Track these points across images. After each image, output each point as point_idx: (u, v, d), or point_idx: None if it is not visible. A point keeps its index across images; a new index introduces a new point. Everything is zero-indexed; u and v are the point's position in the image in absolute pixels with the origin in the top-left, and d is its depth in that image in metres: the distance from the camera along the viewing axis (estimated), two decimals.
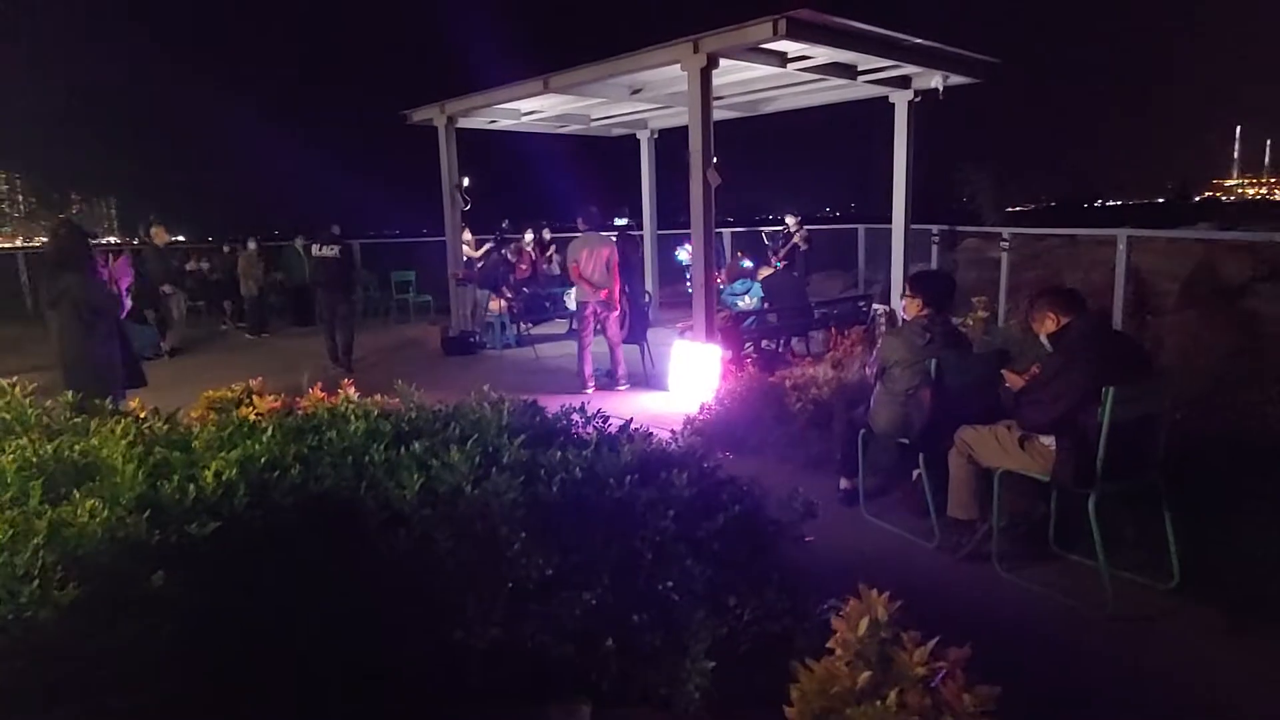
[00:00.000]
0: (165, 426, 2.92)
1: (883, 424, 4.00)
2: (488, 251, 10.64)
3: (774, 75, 8.46)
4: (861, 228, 13.28)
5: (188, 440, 2.63)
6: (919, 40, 7.40)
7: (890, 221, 9.37)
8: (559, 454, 2.38)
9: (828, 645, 1.64)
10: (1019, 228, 10.37)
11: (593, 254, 7.30)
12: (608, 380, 7.64)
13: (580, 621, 2.21)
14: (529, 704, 2.23)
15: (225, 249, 12.84)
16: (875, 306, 9.04)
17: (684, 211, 11.41)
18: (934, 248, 11.09)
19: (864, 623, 1.60)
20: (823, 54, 7.40)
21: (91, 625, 1.72)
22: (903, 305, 4.05)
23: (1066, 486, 3.24)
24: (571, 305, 12.92)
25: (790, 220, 10.33)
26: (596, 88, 8.74)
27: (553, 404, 6.90)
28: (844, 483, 4.40)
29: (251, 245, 11.78)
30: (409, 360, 9.72)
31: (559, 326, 10.95)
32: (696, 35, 6.86)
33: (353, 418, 2.88)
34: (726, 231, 14.52)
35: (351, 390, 3.75)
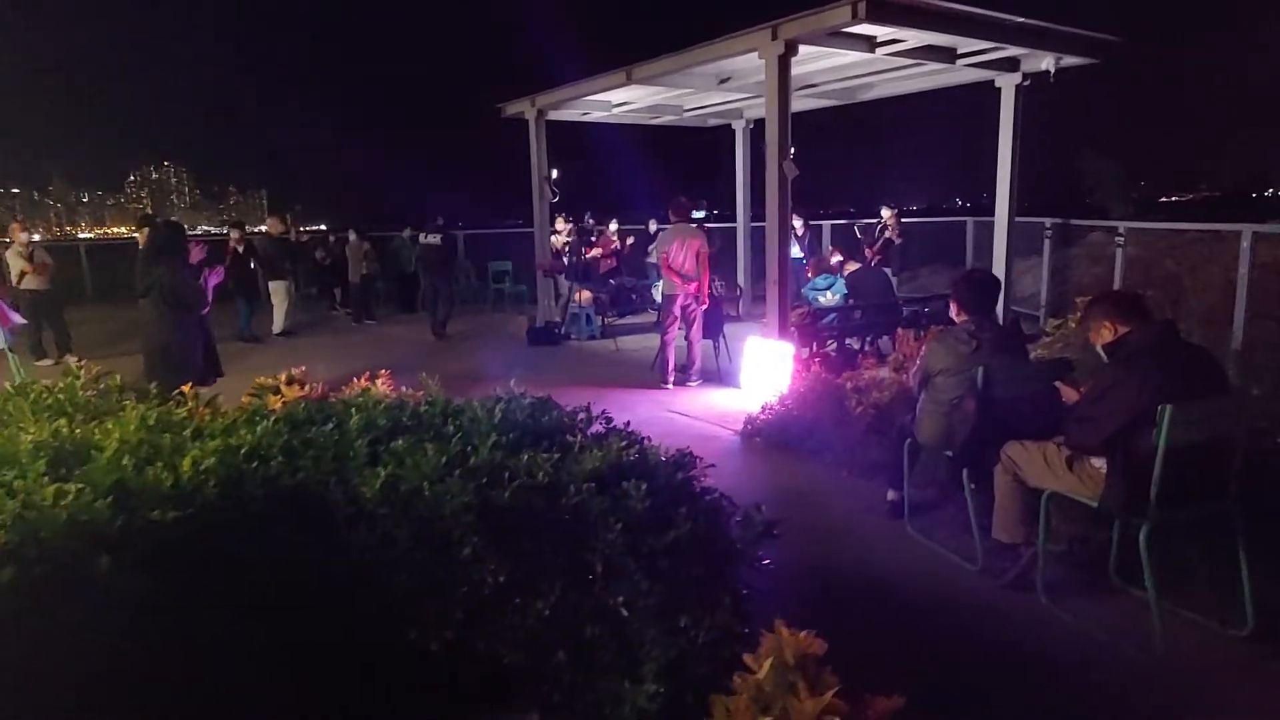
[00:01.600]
0: (194, 413, 3.07)
1: (927, 435, 3.72)
2: (569, 244, 10.72)
3: (866, 61, 8.10)
4: (970, 220, 12.55)
5: (200, 427, 2.75)
6: (1021, 19, 6.87)
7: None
8: (525, 457, 2.32)
9: (732, 684, 1.50)
10: (1142, 222, 9.48)
11: (684, 245, 7.19)
12: (680, 375, 7.53)
13: (532, 631, 2.15)
14: (481, 709, 2.20)
15: (331, 239, 13.52)
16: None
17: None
18: (1046, 243, 10.32)
19: (768, 664, 1.45)
20: (914, 37, 7.00)
21: (36, 605, 1.81)
22: (951, 309, 3.75)
23: (1116, 514, 2.90)
24: (659, 298, 12.97)
25: (885, 212, 9.85)
26: (679, 78, 8.62)
27: (623, 398, 7.03)
28: (891, 494, 4.14)
29: (353, 236, 12.35)
30: (491, 349, 9.94)
31: (648, 318, 10.93)
32: (775, 21, 6.62)
33: (354, 411, 2.92)
34: (826, 224, 14.06)
35: (381, 384, 3.84)
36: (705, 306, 7.38)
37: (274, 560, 2.24)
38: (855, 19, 5.95)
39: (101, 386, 3.52)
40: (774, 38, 6.63)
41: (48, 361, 9.05)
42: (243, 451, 2.46)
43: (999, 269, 8.80)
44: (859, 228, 10.71)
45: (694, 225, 7.41)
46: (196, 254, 5.51)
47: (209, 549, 2.14)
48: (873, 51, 7.23)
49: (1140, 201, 16.15)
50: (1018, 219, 9.33)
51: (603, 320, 10.47)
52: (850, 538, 3.99)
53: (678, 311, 7.33)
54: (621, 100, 10.54)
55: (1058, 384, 3.22)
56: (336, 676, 2.13)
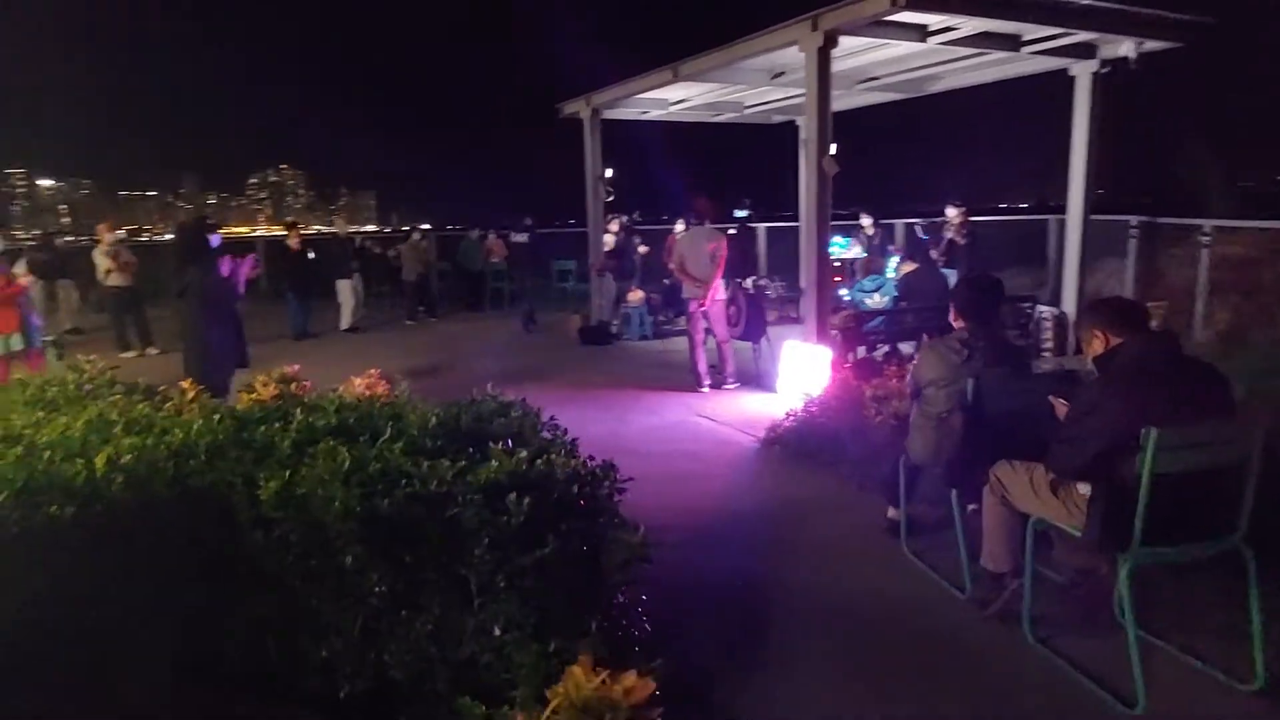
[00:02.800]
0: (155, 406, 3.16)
1: (918, 450, 3.46)
2: (618, 244, 10.67)
3: (926, 51, 7.70)
4: (1053, 219, 11.78)
5: (134, 420, 2.82)
6: (1088, 2, 6.36)
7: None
8: (425, 465, 2.25)
9: None
10: (1242, 220, 8.66)
11: (695, 248, 7.04)
12: (717, 377, 7.36)
13: (417, 647, 2.09)
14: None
15: (413, 238, 13.89)
16: (1040, 309, 7.97)
17: (845, 201, 10.80)
18: (1132, 243, 9.58)
19: (549, 709, 1.33)
20: (968, 24, 6.59)
21: None
22: (950, 315, 3.47)
23: (1095, 548, 2.60)
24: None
25: (951, 211, 9.33)
26: (729, 74, 8.43)
27: (656, 400, 6.92)
28: (891, 512, 3.89)
29: (416, 235, 12.67)
30: (542, 348, 9.99)
31: None
32: (814, 12, 6.36)
33: (298, 413, 2.93)
34: (899, 223, 13.50)
35: (360, 382, 3.87)
36: (715, 307, 7.15)
37: (175, 558, 2.25)
38: (895, 7, 5.65)
39: (106, 380, 3.69)
40: (814, 29, 6.37)
41: (131, 353, 9.63)
42: (168, 449, 2.49)
43: (1071, 271, 8.22)
44: (922, 227, 10.21)
45: (711, 228, 7.22)
46: (227, 266, 5.73)
47: (105, 545, 2.17)
48: (924, 41, 6.87)
49: (1255, 195, 14.82)
50: (1101, 218, 8.70)
51: (655, 321, 10.38)
52: (840, 557, 3.76)
53: (697, 314, 7.17)
54: (679, 98, 10.41)
55: (1051, 399, 2.92)
56: (217, 680, 2.13)
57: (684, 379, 7.50)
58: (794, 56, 7.69)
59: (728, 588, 3.48)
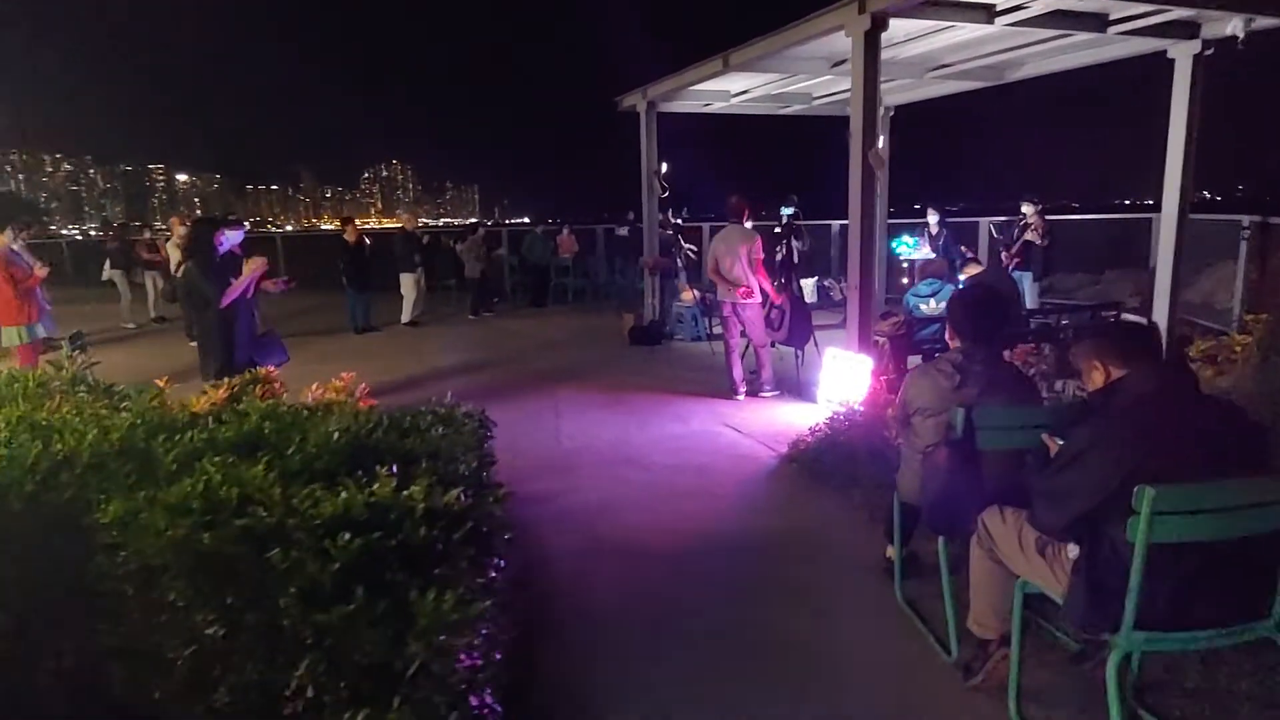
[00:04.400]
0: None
1: (905, 486, 3.02)
2: (664, 241, 10.32)
3: (999, 34, 7.04)
4: (1156, 218, 10.70)
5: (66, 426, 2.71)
6: None
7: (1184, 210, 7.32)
8: (277, 491, 2.02)
9: None
10: None
11: (730, 248, 6.64)
12: (754, 384, 6.94)
13: (243, 698, 1.86)
14: None
15: (477, 232, 13.96)
16: (1127, 319, 7.18)
17: (920, 197, 10.14)
18: (1243, 245, 8.55)
19: None
20: (1037, 1, 5.94)
21: None
22: (946, 333, 3.01)
23: (1076, 625, 2.13)
24: (807, 294, 12.20)
25: (1027, 208, 8.56)
26: (780, 61, 7.95)
27: (686, 407, 6.59)
28: (889, 550, 3.44)
29: (480, 231, 12.67)
30: (589, 347, 9.77)
31: None
32: None
33: (212, 420, 2.77)
34: (984, 221, 12.61)
35: (316, 388, 3.71)
36: (750, 311, 6.73)
37: (19, 580, 2.11)
38: None
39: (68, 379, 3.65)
40: (860, 11, 5.85)
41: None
42: (52, 458, 2.36)
43: (1164, 276, 7.38)
44: (994, 226, 9.41)
45: (744, 228, 6.79)
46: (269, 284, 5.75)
47: None
48: (991, 22, 6.24)
49: None
50: (1206, 217, 7.78)
51: (710, 321, 9.99)
52: (825, 601, 3.34)
53: (730, 317, 6.78)
54: (741, 89, 9.98)
55: (1044, 437, 2.44)
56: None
57: (723, 384, 7.11)
58: (841, 43, 7.20)
59: (683, 635, 3.12)
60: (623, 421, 6.23)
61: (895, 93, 10.38)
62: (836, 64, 8.27)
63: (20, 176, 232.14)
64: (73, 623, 2.08)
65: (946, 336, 2.98)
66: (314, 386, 3.70)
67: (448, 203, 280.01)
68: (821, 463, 4.81)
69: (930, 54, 7.98)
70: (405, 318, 11.67)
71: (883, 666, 2.83)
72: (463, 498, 2.09)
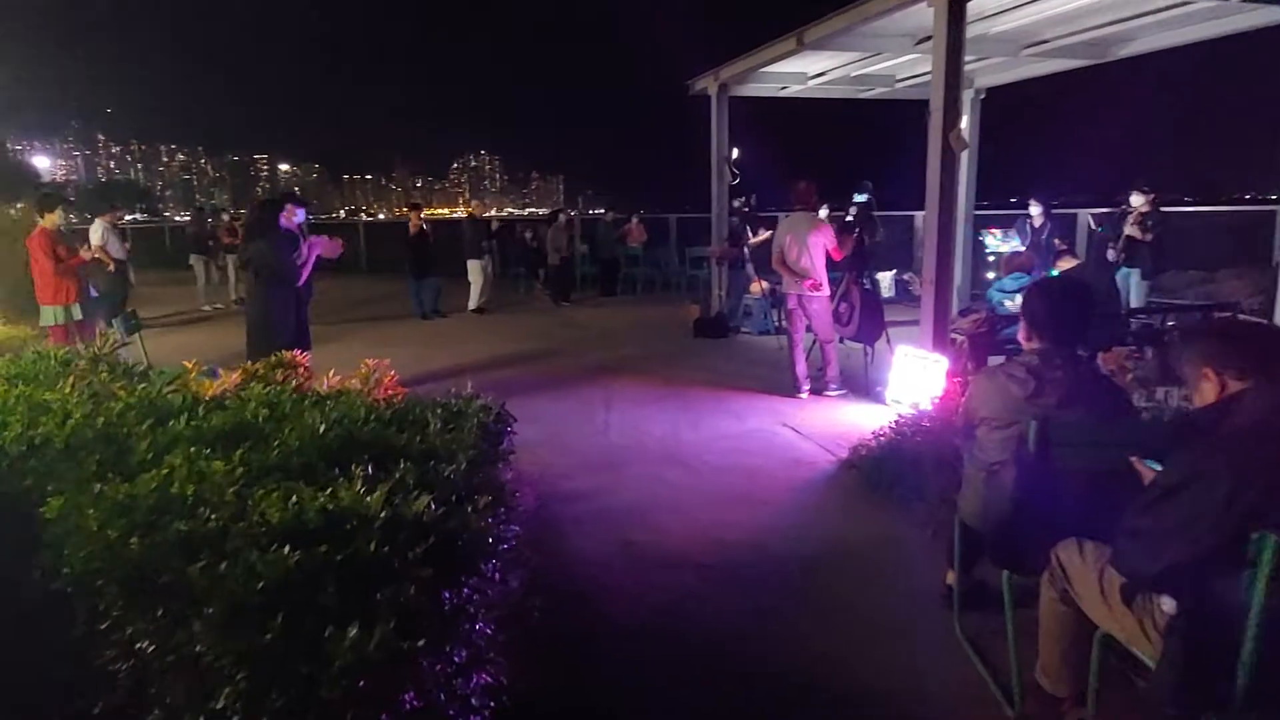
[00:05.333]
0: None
1: (967, 507, 2.62)
2: (732, 230, 9.90)
3: (1107, 3, 6.41)
4: None
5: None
6: None
7: None
8: (231, 491, 1.81)
9: None
10: None
11: (797, 237, 6.23)
12: (818, 382, 6.53)
13: None
14: None
15: (563, 218, 13.82)
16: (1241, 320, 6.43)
17: (1015, 188, 9.43)
18: None
19: None
20: None
21: None
22: (1020, 332, 2.58)
23: (1166, 703, 1.71)
24: (885, 288, 11.60)
25: (1136, 199, 7.80)
26: (859, 39, 7.45)
27: (744, 404, 6.24)
28: (949, 576, 3.04)
29: (561, 218, 12.53)
30: (652, 339, 9.48)
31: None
32: None
33: (200, 410, 2.60)
34: (1084, 213, 11.71)
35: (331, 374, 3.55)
36: (818, 304, 6.30)
37: None
38: None
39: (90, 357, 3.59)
40: None
41: None
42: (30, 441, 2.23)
43: None
44: (1093, 218, 8.63)
45: (813, 215, 6.35)
46: (329, 248, 5.70)
47: None
48: None
49: None
50: None
51: (779, 314, 9.56)
52: (874, 632, 2.97)
53: (796, 310, 6.37)
54: (818, 70, 9.47)
55: (1133, 461, 2.02)
56: None
57: (786, 381, 6.71)
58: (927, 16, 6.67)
59: (706, 659, 2.81)
60: (675, 417, 5.93)
61: (987, 73, 9.69)
62: (920, 41, 7.70)
63: (139, 165, 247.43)
64: (15, 625, 1.93)
65: (1020, 336, 2.56)
66: (330, 373, 3.53)
67: (533, 192, 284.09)
68: (883, 471, 4.40)
69: (1026, 28, 7.34)
70: (472, 304, 11.65)
71: (932, 715, 2.46)
72: (433, 506, 1.83)
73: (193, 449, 2.21)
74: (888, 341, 6.92)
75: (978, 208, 10.79)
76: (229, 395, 3.06)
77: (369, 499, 1.75)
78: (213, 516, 1.76)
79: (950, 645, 2.83)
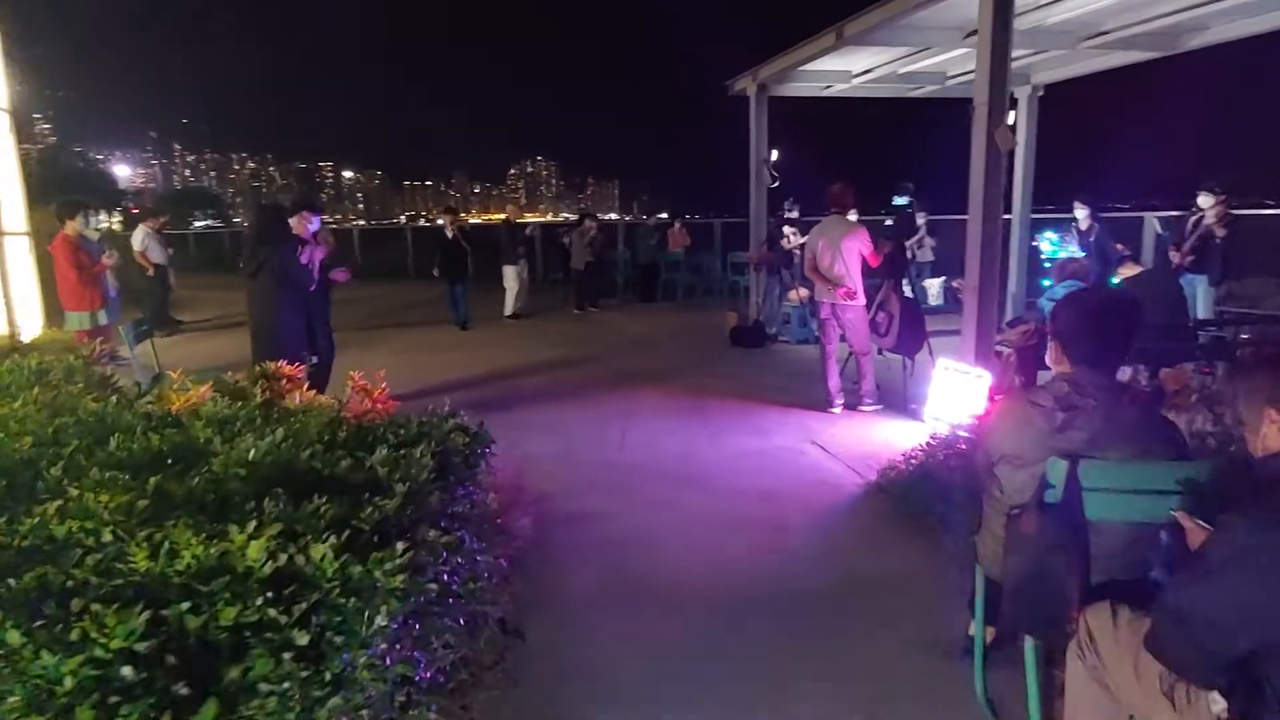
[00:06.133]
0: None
1: (986, 555, 2.27)
2: (770, 236, 9.52)
3: None
4: None
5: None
6: None
7: None
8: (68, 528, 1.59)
9: None
10: None
11: (830, 242, 5.87)
12: (853, 396, 6.15)
13: None
14: None
15: (590, 222, 13.62)
16: None
17: (1073, 190, 8.86)
18: None
19: None
20: None
21: None
22: (1048, 353, 2.22)
23: None
24: (933, 296, 11.09)
25: (1204, 199, 7.19)
26: (903, 33, 7.05)
27: (772, 418, 5.92)
28: (972, 625, 2.68)
29: (588, 222, 12.31)
30: (685, 347, 9.18)
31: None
32: None
33: (138, 429, 2.41)
34: (1150, 216, 10.99)
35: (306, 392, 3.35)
36: (853, 314, 5.94)
37: None
38: None
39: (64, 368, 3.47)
40: None
41: None
42: None
43: None
44: (1159, 221, 7.99)
45: (848, 219, 5.97)
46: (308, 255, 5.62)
47: None
48: None
49: None
50: None
51: (817, 323, 9.17)
52: (882, 680, 2.63)
53: (829, 319, 6.01)
54: (863, 68, 9.07)
55: (1178, 515, 1.66)
56: None
57: (819, 395, 6.34)
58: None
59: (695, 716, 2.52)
60: (695, 432, 5.63)
61: (1044, 68, 9.15)
62: (969, 35, 7.24)
63: (212, 173, 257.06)
64: None
65: (1049, 358, 2.21)
66: (304, 387, 3.34)
67: (589, 197, 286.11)
68: (912, 497, 4.04)
69: (1086, 18, 6.86)
70: (507, 310, 11.52)
71: None
72: (331, 555, 1.58)
73: (106, 475, 2.02)
74: (930, 353, 6.48)
75: (1037, 211, 10.22)
76: (192, 410, 2.89)
77: (250, 547, 1.51)
78: (79, 565, 1.54)
79: (968, 707, 2.48)
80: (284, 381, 3.59)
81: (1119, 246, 7.76)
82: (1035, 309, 6.30)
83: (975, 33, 7.06)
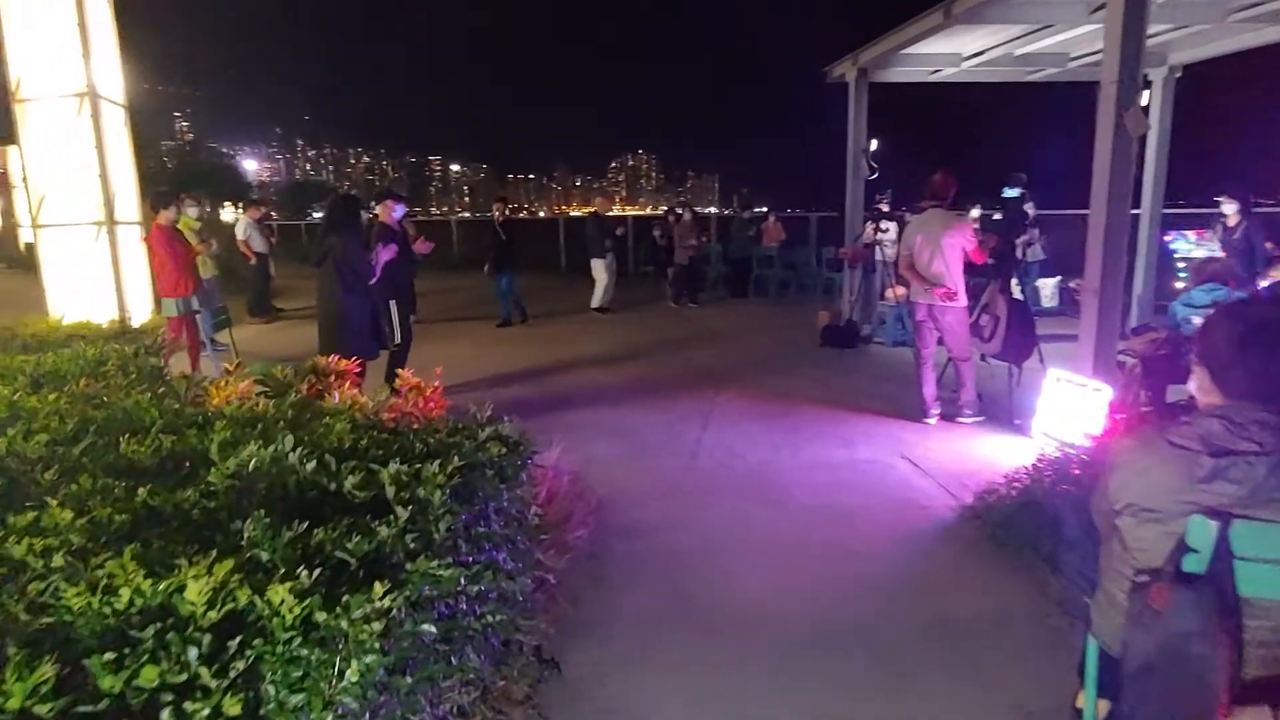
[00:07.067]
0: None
1: (1102, 625, 1.85)
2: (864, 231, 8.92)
3: None
4: None
5: None
6: None
7: None
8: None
9: None
10: None
11: (929, 238, 5.36)
12: (951, 406, 5.63)
13: None
14: None
15: (671, 218, 13.32)
16: None
17: (1210, 183, 7.96)
18: None
19: None
20: None
21: None
22: (1191, 380, 1.78)
23: None
24: (1046, 297, 10.27)
25: None
26: (1019, 8, 6.41)
27: (860, 428, 5.51)
28: (1079, 697, 2.24)
29: (687, 215, 11.99)
30: (775, 344, 8.76)
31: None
32: None
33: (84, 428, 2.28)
34: None
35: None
36: (952, 316, 5.40)
37: None
38: None
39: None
40: None
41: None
42: None
43: None
44: None
45: (952, 212, 5.43)
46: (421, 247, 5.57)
47: None
48: None
49: None
50: None
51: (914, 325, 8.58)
52: None
53: (925, 322, 5.51)
54: (975, 49, 8.39)
55: None
56: None
57: (914, 403, 5.84)
58: None
59: None
60: (776, 439, 5.25)
61: (1183, 46, 8.24)
62: (1096, 9, 6.54)
63: (330, 168, 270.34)
64: None
65: (1193, 387, 1.77)
66: (346, 384, 3.19)
67: (689, 191, 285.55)
68: (1014, 527, 3.56)
69: None
70: (595, 303, 11.36)
71: None
72: (291, 597, 1.35)
73: (100, 483, 1.88)
74: (1040, 361, 5.88)
75: (1168, 206, 9.24)
76: (232, 405, 2.77)
77: (189, 588, 1.30)
78: (19, 596, 1.36)
79: None
80: (331, 377, 3.47)
81: (1270, 246, 6.86)
82: (1166, 315, 5.60)
83: (1104, 6, 6.39)
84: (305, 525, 1.61)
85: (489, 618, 2.17)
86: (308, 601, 1.36)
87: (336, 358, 3.55)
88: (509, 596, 2.45)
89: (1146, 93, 7.74)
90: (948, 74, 9.15)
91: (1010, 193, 6.96)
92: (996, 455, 4.84)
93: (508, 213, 10.79)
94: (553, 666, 2.60)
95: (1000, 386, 5.80)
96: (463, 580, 2.07)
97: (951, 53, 8.46)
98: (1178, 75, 8.66)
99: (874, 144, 8.81)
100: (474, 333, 9.95)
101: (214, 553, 1.51)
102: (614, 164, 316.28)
